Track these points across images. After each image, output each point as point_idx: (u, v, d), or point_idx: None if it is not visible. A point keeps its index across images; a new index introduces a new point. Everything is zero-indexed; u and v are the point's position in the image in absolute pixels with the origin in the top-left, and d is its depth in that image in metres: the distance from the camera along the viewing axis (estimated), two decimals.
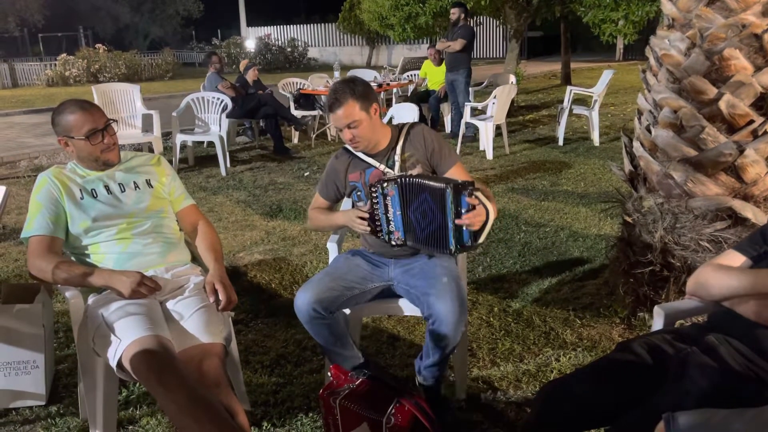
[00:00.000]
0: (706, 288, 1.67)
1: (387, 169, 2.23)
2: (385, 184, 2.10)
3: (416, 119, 5.35)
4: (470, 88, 7.83)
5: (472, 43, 7.73)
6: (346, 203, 2.54)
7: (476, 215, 1.95)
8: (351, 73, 9.89)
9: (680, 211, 2.60)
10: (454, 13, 7.67)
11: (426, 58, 8.78)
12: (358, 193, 2.30)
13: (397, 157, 2.24)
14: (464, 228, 1.98)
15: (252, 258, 3.93)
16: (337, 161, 2.35)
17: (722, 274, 1.63)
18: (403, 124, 2.33)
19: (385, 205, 2.12)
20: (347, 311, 2.23)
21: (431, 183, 2.02)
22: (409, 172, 2.21)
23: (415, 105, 5.87)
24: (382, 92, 8.70)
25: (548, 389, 1.65)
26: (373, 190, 2.13)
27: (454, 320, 1.96)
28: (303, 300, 2.06)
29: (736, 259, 1.67)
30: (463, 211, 1.95)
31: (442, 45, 7.72)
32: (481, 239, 2.00)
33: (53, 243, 2.02)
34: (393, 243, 2.16)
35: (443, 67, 8.25)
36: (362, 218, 2.16)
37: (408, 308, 2.23)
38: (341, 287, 2.13)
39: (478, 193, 1.96)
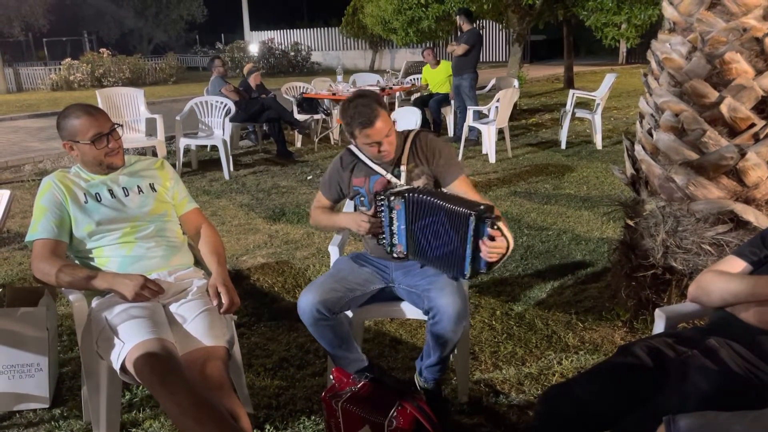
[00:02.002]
0: (707, 294, 1.68)
1: (393, 179, 2.22)
2: (392, 197, 2.07)
3: (419, 123, 5.36)
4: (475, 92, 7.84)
5: (478, 47, 7.74)
6: (349, 204, 2.54)
7: (496, 247, 1.87)
8: (354, 77, 9.92)
9: (682, 214, 2.60)
10: (458, 20, 7.75)
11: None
12: (362, 198, 2.30)
13: (402, 167, 2.23)
14: (481, 256, 1.91)
15: (255, 261, 3.94)
16: (341, 163, 2.34)
17: (723, 281, 1.63)
18: (408, 132, 2.31)
19: (390, 218, 2.10)
20: (350, 314, 2.23)
21: (450, 205, 1.95)
22: (414, 183, 2.21)
23: (418, 109, 5.88)
24: (385, 96, 8.72)
25: (550, 393, 1.65)
26: (379, 199, 2.11)
27: (456, 314, 1.96)
28: (306, 302, 2.06)
29: (736, 264, 1.68)
30: (484, 240, 1.88)
31: (450, 48, 7.78)
32: (496, 267, 1.95)
33: (57, 247, 2.03)
34: (395, 255, 2.15)
35: (442, 67, 8.27)
36: (366, 223, 2.16)
37: (410, 311, 2.24)
38: (344, 289, 2.14)
39: (501, 224, 1.89)
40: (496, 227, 1.87)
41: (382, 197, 2.10)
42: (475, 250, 1.92)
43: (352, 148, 2.33)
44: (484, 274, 2.02)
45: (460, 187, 2.23)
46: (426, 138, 2.28)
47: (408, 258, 2.15)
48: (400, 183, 2.21)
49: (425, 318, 2.12)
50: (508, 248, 1.91)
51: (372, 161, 2.26)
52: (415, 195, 2.04)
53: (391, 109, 8.73)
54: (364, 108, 2.11)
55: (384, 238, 2.16)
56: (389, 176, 2.23)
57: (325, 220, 2.39)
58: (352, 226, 2.24)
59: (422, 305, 2.10)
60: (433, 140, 2.28)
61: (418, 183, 2.22)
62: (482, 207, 1.92)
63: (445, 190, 2.28)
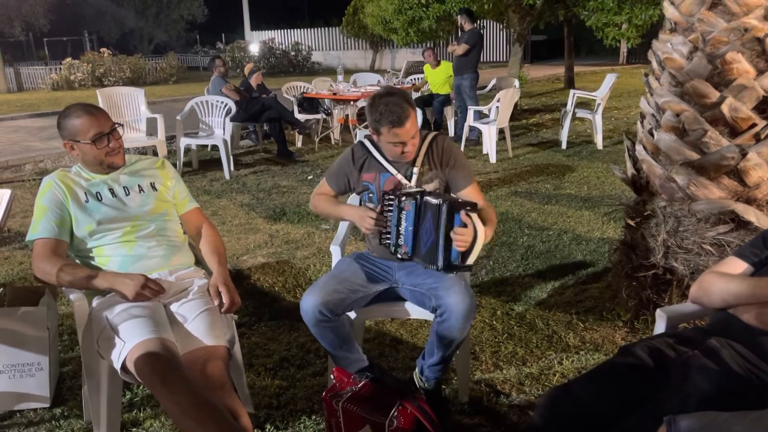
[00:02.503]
0: (708, 295, 1.68)
1: (404, 180, 2.21)
2: (403, 198, 2.07)
3: (419, 123, 5.36)
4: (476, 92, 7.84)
5: (479, 47, 7.73)
6: (353, 197, 2.53)
7: (462, 233, 1.91)
8: (354, 76, 9.91)
9: (683, 214, 2.60)
10: (459, 19, 7.73)
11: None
12: (370, 194, 2.28)
13: (415, 169, 2.22)
14: (453, 246, 1.94)
15: (255, 261, 3.94)
16: (353, 156, 2.31)
17: (724, 282, 1.64)
18: (426, 134, 2.29)
19: (399, 218, 2.10)
20: (352, 314, 2.23)
21: (434, 200, 2.00)
22: (424, 187, 2.21)
23: (419, 109, 5.89)
24: None
25: (551, 394, 1.66)
26: (389, 199, 2.11)
27: (464, 312, 1.96)
28: (309, 303, 2.06)
29: (737, 265, 1.68)
30: (455, 228, 1.93)
31: (450, 48, 7.78)
32: (470, 260, 1.96)
33: (58, 246, 2.03)
34: (399, 256, 2.14)
35: (442, 67, 8.27)
36: (372, 220, 2.15)
37: (414, 311, 2.24)
38: (346, 290, 2.13)
39: (474, 215, 1.92)
40: (468, 216, 1.91)
41: (393, 197, 2.09)
42: (447, 240, 1.94)
43: (365, 142, 2.31)
44: (460, 268, 2.00)
45: (469, 194, 2.22)
46: (443, 142, 2.27)
47: (412, 259, 2.14)
48: (410, 184, 2.20)
49: (428, 317, 2.12)
50: (476, 238, 1.93)
51: (385, 159, 2.25)
52: (427, 198, 2.04)
53: None
54: (395, 107, 2.07)
55: (389, 237, 2.15)
56: (400, 176, 2.22)
57: (328, 208, 2.36)
58: (356, 221, 2.22)
59: (428, 304, 2.09)
60: (450, 145, 2.27)
61: (429, 186, 2.21)
62: (459, 200, 1.95)
63: (454, 196, 2.28)
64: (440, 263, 1.98)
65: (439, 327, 2.03)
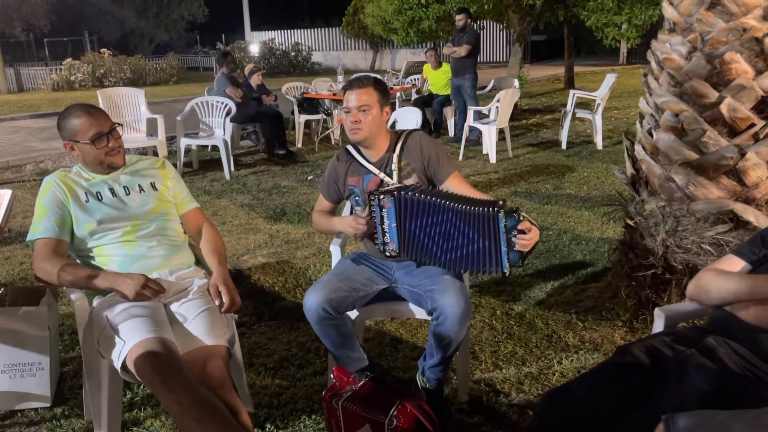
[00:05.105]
0: (706, 292, 1.68)
1: (385, 177, 2.23)
2: (381, 196, 2.07)
3: (419, 123, 5.36)
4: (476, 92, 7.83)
5: (478, 47, 7.74)
6: (347, 205, 2.55)
7: (531, 238, 1.87)
8: (355, 76, 9.91)
9: (682, 214, 2.61)
10: (461, 19, 7.67)
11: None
12: (357, 198, 2.31)
13: (394, 166, 2.24)
14: (517, 250, 1.90)
15: (255, 261, 3.95)
16: (338, 163, 2.36)
17: (721, 279, 1.64)
18: (402, 131, 2.32)
19: (381, 216, 2.10)
20: (353, 314, 2.23)
21: (458, 205, 1.93)
22: (405, 182, 2.21)
23: (419, 109, 5.88)
24: None
25: (551, 395, 1.66)
26: (371, 199, 2.12)
27: (459, 314, 1.96)
28: (313, 300, 2.06)
29: (735, 263, 1.68)
30: (516, 234, 1.87)
31: (448, 50, 7.74)
32: (528, 257, 1.95)
33: (59, 246, 2.03)
34: (387, 253, 2.15)
35: (443, 70, 8.26)
36: (360, 224, 2.16)
37: (415, 311, 2.24)
38: (349, 288, 2.14)
39: (524, 213, 1.89)
40: (523, 218, 1.87)
41: (373, 196, 2.10)
42: (509, 244, 1.90)
43: (349, 147, 2.35)
44: (519, 267, 2.01)
45: (454, 183, 2.22)
46: (417, 137, 2.29)
47: (400, 255, 2.15)
48: (392, 182, 2.22)
49: (428, 317, 2.12)
50: (539, 234, 1.92)
51: (365, 160, 2.27)
52: (406, 193, 2.04)
53: (391, 109, 8.71)
54: (357, 79, 2.23)
55: (377, 237, 2.16)
56: (382, 175, 2.24)
57: (322, 224, 2.41)
58: (346, 230, 2.24)
59: (425, 305, 2.10)
60: (424, 139, 2.28)
61: (409, 181, 2.23)
62: (499, 202, 1.91)
63: (441, 188, 2.28)
64: (506, 268, 1.93)
65: (435, 329, 2.04)
